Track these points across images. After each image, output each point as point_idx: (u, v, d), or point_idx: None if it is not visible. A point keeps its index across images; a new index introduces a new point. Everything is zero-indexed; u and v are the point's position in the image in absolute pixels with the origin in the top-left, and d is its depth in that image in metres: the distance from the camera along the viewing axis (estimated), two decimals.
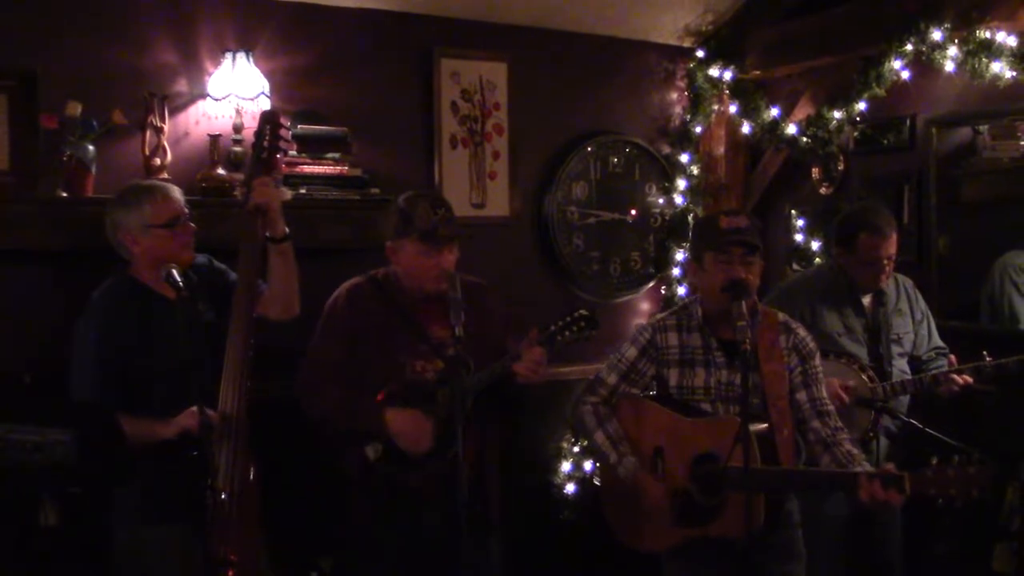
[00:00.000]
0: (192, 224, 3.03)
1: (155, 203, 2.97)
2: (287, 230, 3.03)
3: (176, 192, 3.04)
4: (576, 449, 4.69)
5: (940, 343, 3.84)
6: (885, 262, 3.60)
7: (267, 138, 3.00)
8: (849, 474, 2.73)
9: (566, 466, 4.69)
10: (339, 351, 3.11)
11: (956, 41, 3.86)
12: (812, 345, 3.05)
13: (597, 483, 4.32)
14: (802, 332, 3.05)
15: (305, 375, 3.14)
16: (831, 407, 2.99)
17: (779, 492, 2.89)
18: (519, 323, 3.13)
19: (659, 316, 3.21)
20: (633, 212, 4.96)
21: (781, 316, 3.07)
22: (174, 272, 2.82)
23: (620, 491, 3.07)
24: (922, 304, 3.83)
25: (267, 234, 2.99)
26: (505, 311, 3.22)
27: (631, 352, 3.11)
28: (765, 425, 2.88)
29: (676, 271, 4.93)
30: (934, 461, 2.57)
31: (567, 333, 2.94)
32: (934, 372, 3.62)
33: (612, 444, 3.02)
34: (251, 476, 2.91)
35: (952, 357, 3.62)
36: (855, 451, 2.88)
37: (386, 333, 3.09)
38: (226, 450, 2.81)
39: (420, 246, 3.02)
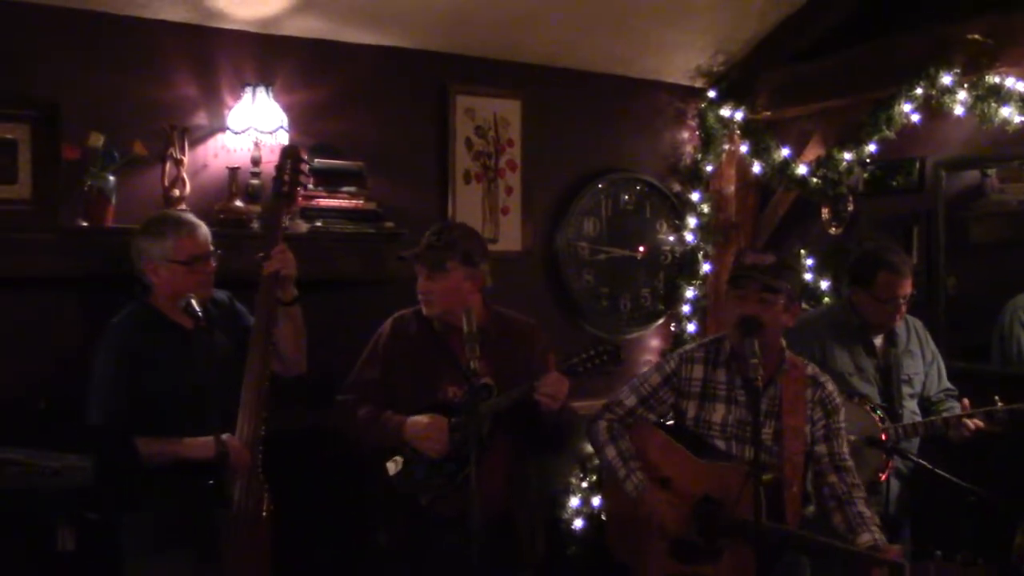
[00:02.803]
0: (213, 263, 3.06)
1: (179, 239, 2.99)
2: (296, 293, 3.09)
3: (202, 231, 3.06)
4: (584, 485, 4.69)
5: (949, 385, 3.84)
6: (901, 301, 3.62)
7: (287, 173, 3.07)
8: (852, 553, 2.74)
9: (574, 501, 4.70)
10: (376, 374, 3.18)
11: (965, 86, 3.91)
12: (838, 401, 3.05)
13: (604, 519, 4.32)
14: (830, 387, 3.05)
15: (344, 393, 3.20)
16: (850, 463, 2.99)
17: (779, 550, 2.88)
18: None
19: (688, 347, 3.22)
20: (642, 249, 4.99)
21: (810, 369, 3.07)
22: (193, 302, 2.85)
23: (625, 514, 3.08)
24: (932, 345, 3.84)
25: (278, 298, 3.03)
26: (549, 353, 3.20)
27: (655, 378, 3.13)
28: (773, 476, 2.89)
29: (686, 308, 4.96)
30: (939, 554, 2.56)
31: (589, 365, 2.99)
32: (946, 415, 3.63)
33: (622, 460, 3.05)
34: (264, 505, 2.93)
35: (966, 401, 3.62)
36: (867, 512, 2.88)
37: (423, 359, 3.15)
38: (241, 478, 2.83)
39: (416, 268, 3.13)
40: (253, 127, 3.77)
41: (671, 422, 3.17)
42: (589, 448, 3.71)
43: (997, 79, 3.83)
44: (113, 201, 3.52)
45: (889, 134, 4.19)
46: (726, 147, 4.98)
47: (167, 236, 3.00)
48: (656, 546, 2.97)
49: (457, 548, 2.89)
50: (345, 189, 3.98)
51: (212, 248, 3.07)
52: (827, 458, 2.96)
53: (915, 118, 4.12)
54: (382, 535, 3.12)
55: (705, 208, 5.00)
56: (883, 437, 3.48)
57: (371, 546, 3.14)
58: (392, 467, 3.07)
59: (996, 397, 3.54)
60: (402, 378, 3.15)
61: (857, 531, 2.80)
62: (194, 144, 3.80)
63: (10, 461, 2.37)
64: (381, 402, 3.14)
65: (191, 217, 3.13)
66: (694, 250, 4.99)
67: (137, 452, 2.58)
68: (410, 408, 3.09)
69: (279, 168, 3.08)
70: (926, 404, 3.79)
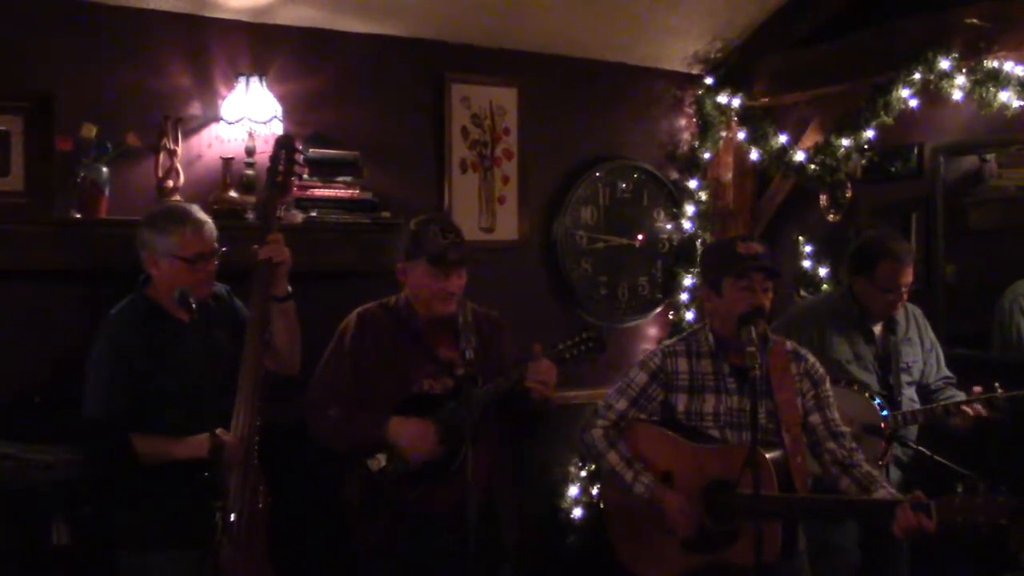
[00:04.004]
0: (216, 262, 3.01)
1: (183, 235, 2.95)
2: (289, 289, 3.06)
3: (208, 228, 3.01)
4: (583, 474, 4.68)
5: (947, 372, 3.83)
6: (903, 290, 3.61)
7: (282, 162, 3.04)
8: (875, 502, 2.72)
9: (573, 491, 4.69)
10: (345, 371, 3.13)
11: (964, 70, 3.89)
12: (822, 371, 3.08)
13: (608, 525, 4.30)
14: (811, 358, 3.08)
15: (311, 394, 3.16)
16: (845, 429, 3.00)
17: (800, 520, 2.88)
18: (527, 347, 3.12)
19: (668, 342, 3.21)
20: (640, 237, 4.98)
21: (789, 344, 3.08)
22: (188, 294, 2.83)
23: (629, 516, 3.06)
24: (931, 333, 3.82)
25: (271, 292, 3.00)
26: (515, 350, 3.17)
27: (641, 377, 3.10)
28: (779, 452, 2.88)
29: (684, 296, 4.95)
30: (960, 488, 2.55)
31: (575, 351, 2.98)
32: (946, 402, 3.62)
33: (626, 464, 3.02)
34: (260, 500, 2.92)
35: (976, 388, 3.59)
36: (874, 472, 2.89)
37: (395, 353, 3.11)
38: (237, 473, 2.82)
39: (429, 269, 3.05)
40: (247, 117, 3.75)
41: (655, 419, 3.15)
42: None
43: (995, 63, 3.81)
44: (107, 192, 3.49)
45: (887, 120, 4.17)
46: (724, 134, 4.96)
47: (172, 232, 2.95)
48: (668, 542, 2.94)
49: (447, 542, 2.89)
50: (340, 179, 3.96)
51: (217, 246, 3.01)
52: (822, 427, 2.98)
53: (913, 103, 4.10)
54: (369, 537, 3.09)
55: (703, 196, 4.98)
56: (883, 425, 3.47)
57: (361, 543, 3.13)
58: (374, 464, 3.03)
59: (996, 384, 3.53)
60: (374, 372, 3.10)
61: (871, 489, 2.79)
62: (188, 135, 3.77)
63: (3, 455, 2.36)
64: (352, 399, 3.09)
65: (199, 213, 3.04)
66: (692, 238, 4.97)
67: (132, 446, 2.56)
68: (385, 403, 3.05)
69: (273, 158, 3.05)
70: (924, 392, 3.77)
